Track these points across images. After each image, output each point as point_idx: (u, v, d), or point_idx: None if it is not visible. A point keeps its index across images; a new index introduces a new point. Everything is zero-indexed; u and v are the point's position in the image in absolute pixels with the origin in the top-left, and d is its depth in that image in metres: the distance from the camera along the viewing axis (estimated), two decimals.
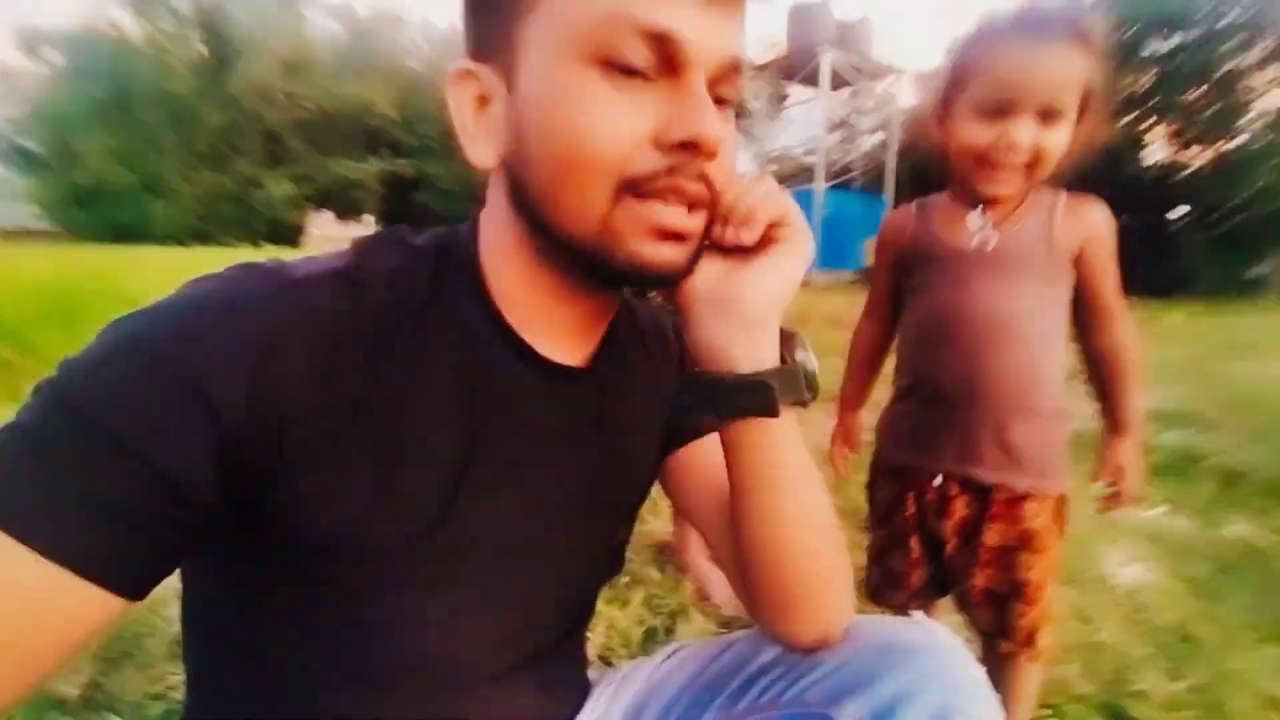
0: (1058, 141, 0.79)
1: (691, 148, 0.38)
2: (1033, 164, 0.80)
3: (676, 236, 0.41)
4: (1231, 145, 17.02)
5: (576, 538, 0.52)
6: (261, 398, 0.36)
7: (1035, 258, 0.85)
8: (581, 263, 0.42)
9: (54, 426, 0.33)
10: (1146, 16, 16.53)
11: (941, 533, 0.90)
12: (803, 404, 0.48)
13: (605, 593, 1.40)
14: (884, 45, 21.89)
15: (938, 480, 0.90)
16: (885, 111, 25.36)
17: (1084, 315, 0.90)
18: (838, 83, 21.68)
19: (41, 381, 0.35)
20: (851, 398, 1.09)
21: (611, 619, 1.35)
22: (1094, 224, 0.86)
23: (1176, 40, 16.81)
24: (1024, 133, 0.78)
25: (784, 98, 26.12)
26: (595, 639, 1.29)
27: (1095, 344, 0.91)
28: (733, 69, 0.40)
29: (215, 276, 0.39)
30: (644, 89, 0.38)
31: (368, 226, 16.08)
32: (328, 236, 14.80)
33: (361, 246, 0.45)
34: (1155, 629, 1.37)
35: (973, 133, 0.81)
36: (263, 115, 26.49)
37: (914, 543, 0.94)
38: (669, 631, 1.35)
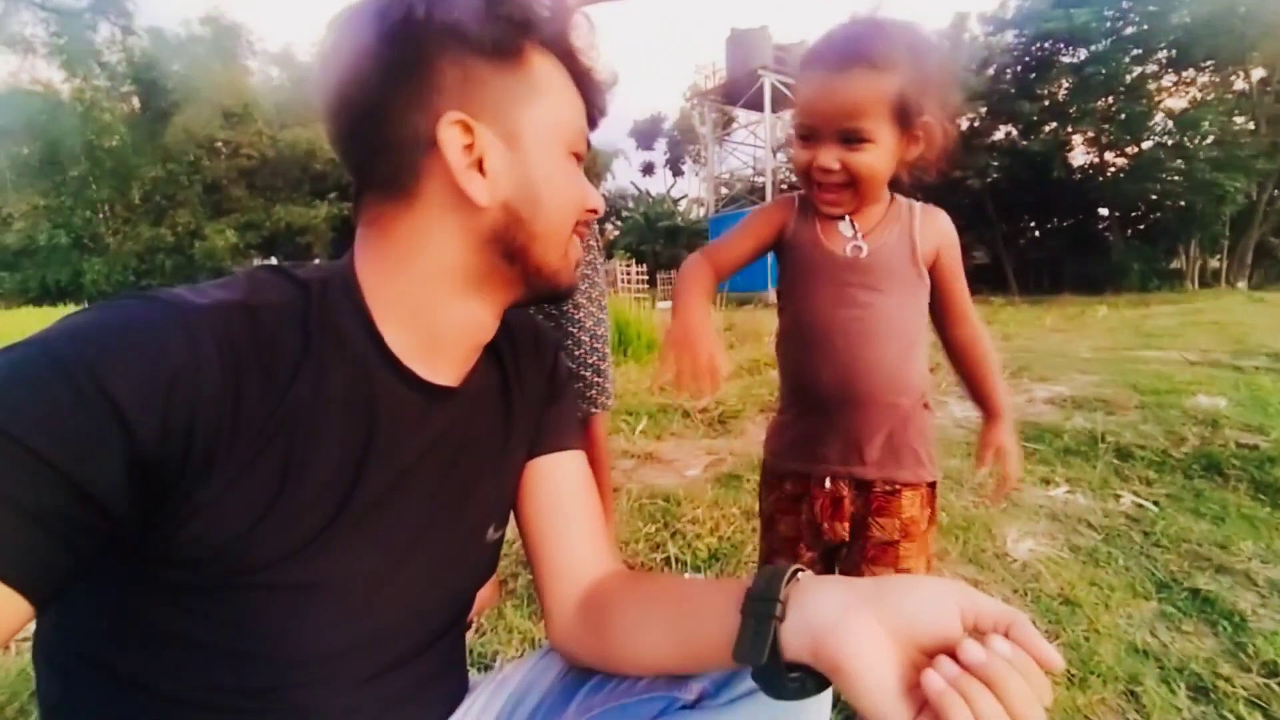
0: (867, 161, 0.82)
1: (593, 211, 0.59)
2: (851, 183, 0.84)
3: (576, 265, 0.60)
4: (1142, 149, 18.48)
5: (451, 542, 0.57)
6: (172, 416, 0.39)
7: (899, 266, 0.89)
8: (539, 282, 0.55)
9: None
10: (1058, 32, 17.97)
11: (835, 533, 0.93)
12: None
13: (525, 607, 1.46)
14: None
15: (828, 483, 0.93)
16: None
17: (940, 315, 0.97)
18: (781, 105, 22.67)
19: None
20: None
21: (527, 631, 1.37)
22: (945, 232, 0.92)
23: (1085, 53, 18.23)
24: (827, 157, 0.83)
25: (730, 121, 27.04)
26: (509, 651, 1.32)
27: (953, 340, 0.98)
28: None
29: (126, 301, 0.42)
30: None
31: None
32: None
33: (250, 279, 0.49)
34: (1041, 593, 1.51)
35: (797, 156, 0.88)
36: (202, 165, 25.91)
37: (802, 548, 0.96)
38: None
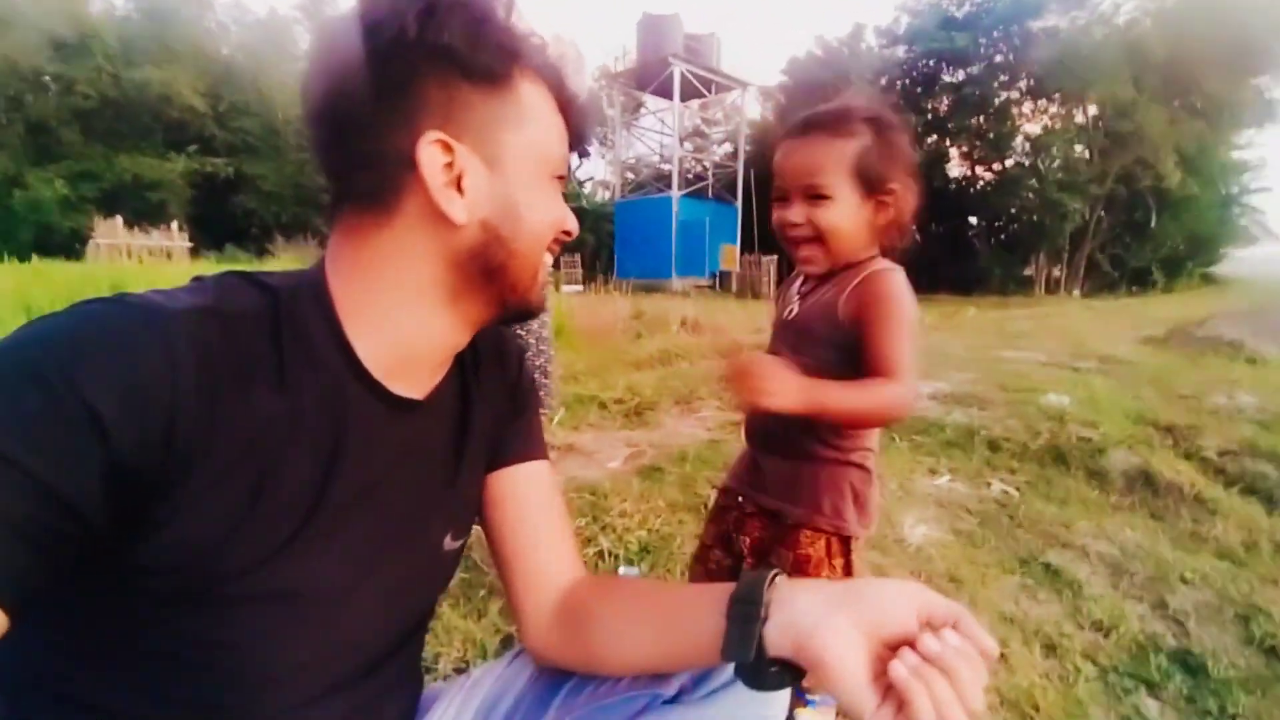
0: (829, 216, 0.91)
1: (568, 233, 0.60)
2: (818, 238, 0.92)
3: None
4: (1006, 166, 20.89)
5: (415, 553, 0.58)
6: (149, 423, 0.39)
7: (820, 326, 0.96)
8: (513, 300, 0.56)
9: None
10: (942, 51, 19.87)
11: (741, 547, 1.04)
12: None
13: (461, 606, 1.44)
14: (731, 59, 23.40)
15: (740, 499, 1.06)
16: (734, 122, 27.03)
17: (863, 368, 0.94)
18: (689, 94, 22.93)
19: None
20: None
21: (467, 631, 1.37)
22: (872, 294, 0.91)
23: (963, 74, 20.29)
24: (792, 212, 0.93)
25: (638, 106, 27.03)
26: (451, 652, 1.32)
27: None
28: None
29: (95, 305, 0.42)
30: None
31: (172, 234, 13.30)
32: (118, 245, 11.81)
33: (219, 285, 0.49)
34: (933, 574, 1.71)
35: (774, 217, 0.98)
36: (25, 101, 21.97)
37: (718, 553, 1.08)
38: None
